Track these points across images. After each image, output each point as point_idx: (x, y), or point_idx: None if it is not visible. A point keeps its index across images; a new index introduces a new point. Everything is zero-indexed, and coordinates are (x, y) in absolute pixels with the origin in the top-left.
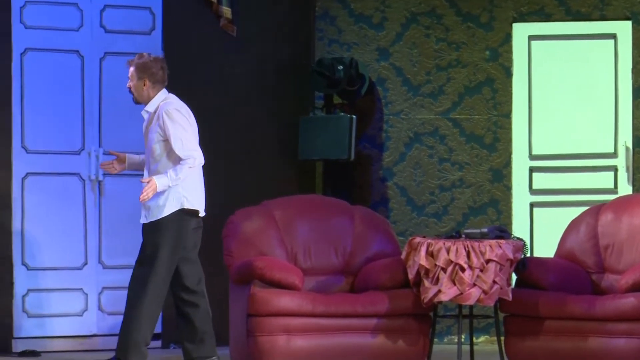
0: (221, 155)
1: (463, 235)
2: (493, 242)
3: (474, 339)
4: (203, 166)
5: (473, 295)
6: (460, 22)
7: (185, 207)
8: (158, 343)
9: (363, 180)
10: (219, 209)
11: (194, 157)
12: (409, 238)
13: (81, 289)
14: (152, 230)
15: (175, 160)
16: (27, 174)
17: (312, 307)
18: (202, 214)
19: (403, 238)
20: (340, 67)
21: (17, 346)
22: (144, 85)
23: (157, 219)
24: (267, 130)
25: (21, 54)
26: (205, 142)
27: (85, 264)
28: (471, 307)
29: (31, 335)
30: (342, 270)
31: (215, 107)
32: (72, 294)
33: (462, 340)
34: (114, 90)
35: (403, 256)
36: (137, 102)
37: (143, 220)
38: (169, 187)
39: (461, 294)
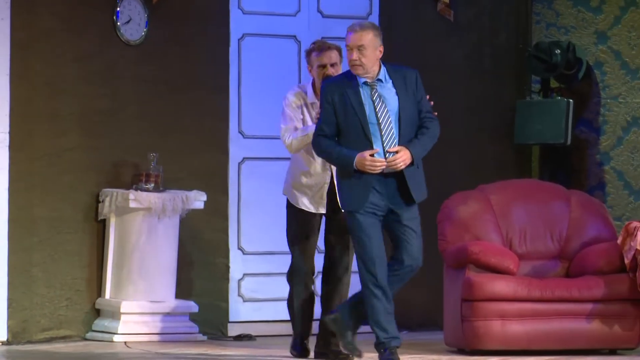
0: (441, 139)
1: None
2: None
3: None
4: None
5: None
6: None
7: None
8: None
9: (580, 164)
10: (435, 193)
11: None
12: (625, 223)
13: None
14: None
15: None
16: (244, 159)
17: (527, 292)
18: None
19: (619, 223)
20: (558, 51)
21: (233, 330)
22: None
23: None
24: (484, 114)
25: (239, 39)
26: None
27: None
28: None
29: (246, 320)
30: (557, 255)
31: (432, 91)
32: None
33: None
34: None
35: (619, 241)
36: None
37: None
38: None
39: None
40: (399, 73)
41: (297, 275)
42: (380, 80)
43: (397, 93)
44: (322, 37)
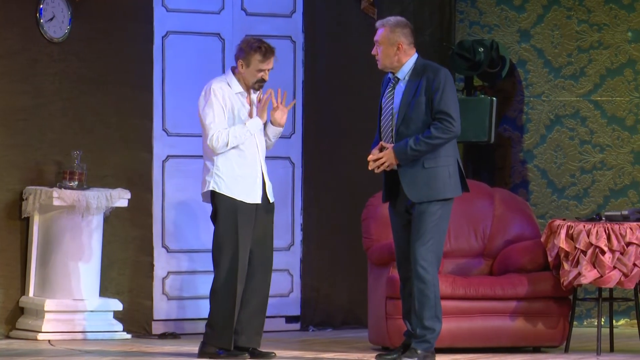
0: (365, 137)
1: (603, 218)
2: (634, 224)
3: (614, 322)
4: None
5: (613, 278)
6: (603, 3)
7: None
8: (297, 325)
9: (503, 162)
10: (358, 191)
11: None
12: (549, 221)
13: None
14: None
15: None
16: (168, 157)
17: (451, 290)
18: None
19: (543, 221)
20: (481, 50)
21: (157, 328)
22: None
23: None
24: None
25: (162, 37)
26: (342, 124)
27: None
28: (611, 290)
29: (171, 318)
30: (481, 253)
31: (356, 89)
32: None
33: (602, 323)
34: None
35: (543, 239)
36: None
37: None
38: None
39: (601, 276)
40: (420, 73)
41: (242, 271)
42: (399, 77)
43: (403, 91)
44: (246, 35)
